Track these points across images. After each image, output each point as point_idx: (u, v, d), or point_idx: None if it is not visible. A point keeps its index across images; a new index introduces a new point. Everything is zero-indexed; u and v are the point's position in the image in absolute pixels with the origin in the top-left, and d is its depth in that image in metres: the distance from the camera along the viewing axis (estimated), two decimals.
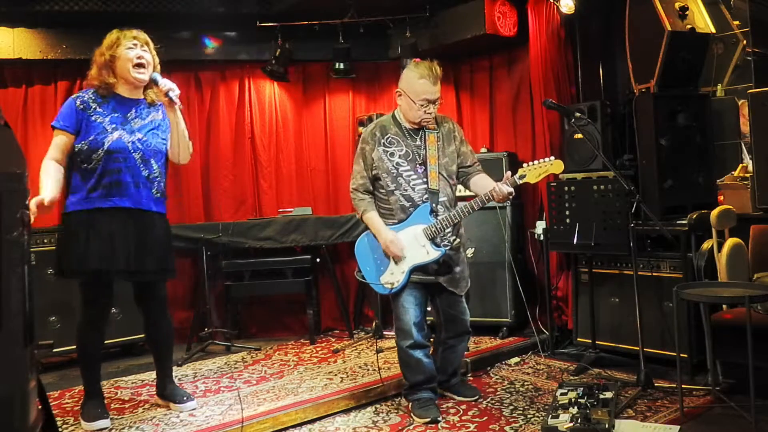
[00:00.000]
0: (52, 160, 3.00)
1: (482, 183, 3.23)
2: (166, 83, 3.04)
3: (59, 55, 4.61)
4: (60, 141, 3.02)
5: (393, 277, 3.14)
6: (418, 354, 3.17)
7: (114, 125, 3.02)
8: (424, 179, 3.14)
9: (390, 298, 3.24)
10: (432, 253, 3.10)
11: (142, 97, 3.16)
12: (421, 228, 3.10)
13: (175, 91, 3.04)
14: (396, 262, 3.13)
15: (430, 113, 3.14)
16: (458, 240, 3.21)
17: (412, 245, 3.11)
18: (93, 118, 3.01)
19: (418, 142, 3.18)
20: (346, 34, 4.90)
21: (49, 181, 2.93)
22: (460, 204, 3.13)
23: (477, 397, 3.36)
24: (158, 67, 3.17)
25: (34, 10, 4.40)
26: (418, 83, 3.10)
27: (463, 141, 3.30)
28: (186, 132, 3.15)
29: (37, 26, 4.54)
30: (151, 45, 3.15)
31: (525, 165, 3.10)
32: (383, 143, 3.18)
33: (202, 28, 4.86)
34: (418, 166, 3.15)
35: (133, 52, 3.05)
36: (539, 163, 3.08)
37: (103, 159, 2.98)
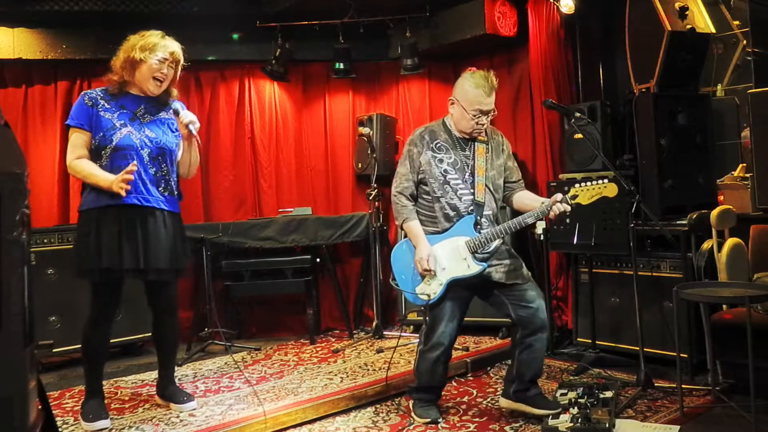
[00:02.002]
0: (77, 158, 2.99)
1: (528, 198, 3.11)
2: (187, 115, 3.06)
3: (59, 55, 4.61)
4: (78, 139, 3.00)
5: (430, 288, 3.01)
6: (439, 367, 3.11)
7: (123, 122, 3.01)
8: (472, 190, 3.02)
9: (424, 307, 3.11)
10: (473, 267, 2.96)
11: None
12: (464, 240, 2.97)
13: (195, 125, 3.06)
14: (435, 273, 3.01)
15: (482, 124, 3.01)
16: (501, 242, 3.07)
17: (454, 257, 2.98)
18: (102, 115, 3.00)
19: (467, 152, 3.06)
20: (346, 34, 4.90)
21: (94, 168, 2.96)
22: (510, 220, 3.00)
23: (559, 409, 2.98)
24: (176, 82, 3.15)
25: (34, 10, 4.40)
26: (472, 92, 2.97)
27: (510, 155, 3.18)
28: (197, 155, 3.17)
29: (37, 26, 4.54)
30: (181, 63, 3.13)
31: (577, 185, 2.93)
32: (432, 148, 3.05)
33: (203, 28, 4.86)
34: (467, 176, 3.03)
35: (159, 66, 3.03)
36: (593, 184, 2.90)
37: (111, 156, 2.98)
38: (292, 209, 4.99)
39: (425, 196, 3.09)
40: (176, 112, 3.09)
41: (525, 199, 3.13)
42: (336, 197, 5.36)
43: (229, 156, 5.15)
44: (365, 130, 4.88)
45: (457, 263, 2.99)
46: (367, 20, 4.81)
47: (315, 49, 5.08)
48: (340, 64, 4.97)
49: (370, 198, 4.66)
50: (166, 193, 3.10)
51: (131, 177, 2.88)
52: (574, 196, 2.91)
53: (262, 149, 5.21)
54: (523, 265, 3.11)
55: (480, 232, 2.98)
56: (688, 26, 3.74)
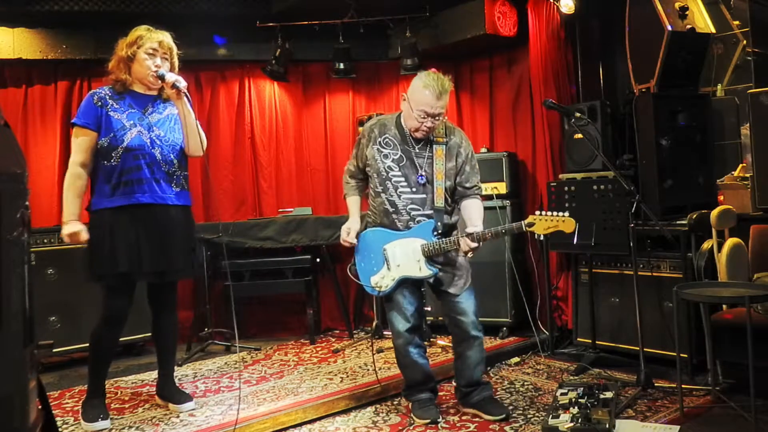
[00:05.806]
0: (79, 166, 2.99)
1: (468, 212, 3.06)
2: (171, 76, 3.03)
3: (59, 55, 4.61)
4: (83, 140, 3.00)
5: (383, 281, 3.08)
6: (413, 355, 3.13)
7: (132, 121, 3.01)
8: (414, 189, 3.04)
9: (383, 297, 3.20)
10: (424, 271, 3.02)
11: (157, 92, 3.16)
12: (420, 243, 3.01)
13: (181, 83, 3.02)
14: (389, 268, 3.06)
15: (427, 127, 2.97)
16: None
17: (408, 257, 3.03)
18: (111, 115, 3.00)
19: (417, 150, 3.06)
20: (346, 34, 4.90)
21: (76, 201, 2.97)
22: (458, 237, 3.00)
23: (503, 415, 3.06)
24: (176, 70, 3.15)
25: (34, 10, 4.40)
26: (420, 92, 2.93)
27: (469, 159, 3.10)
28: (196, 123, 3.12)
29: (37, 26, 4.54)
30: (174, 51, 3.13)
31: (537, 213, 2.89)
32: (379, 142, 3.09)
33: (203, 28, 4.86)
34: (418, 176, 3.03)
35: (152, 61, 3.03)
36: (552, 216, 2.86)
37: (123, 156, 2.97)
38: (292, 209, 4.99)
39: (373, 188, 3.16)
40: (161, 78, 3.04)
41: (465, 212, 3.08)
42: (336, 197, 5.35)
43: (229, 156, 5.15)
44: None
45: (410, 264, 3.04)
46: (367, 20, 4.81)
47: (315, 49, 5.08)
48: (340, 64, 4.97)
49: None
50: (178, 189, 3.11)
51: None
52: (531, 224, 2.89)
53: (262, 149, 5.21)
54: (465, 276, 3.13)
55: (438, 238, 3.01)
56: (688, 26, 3.74)
